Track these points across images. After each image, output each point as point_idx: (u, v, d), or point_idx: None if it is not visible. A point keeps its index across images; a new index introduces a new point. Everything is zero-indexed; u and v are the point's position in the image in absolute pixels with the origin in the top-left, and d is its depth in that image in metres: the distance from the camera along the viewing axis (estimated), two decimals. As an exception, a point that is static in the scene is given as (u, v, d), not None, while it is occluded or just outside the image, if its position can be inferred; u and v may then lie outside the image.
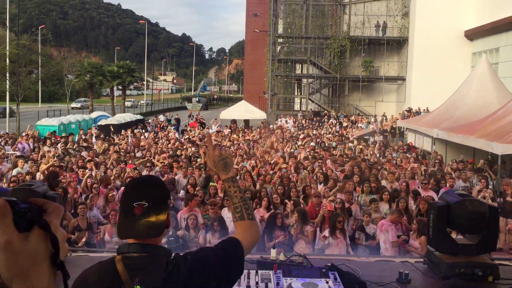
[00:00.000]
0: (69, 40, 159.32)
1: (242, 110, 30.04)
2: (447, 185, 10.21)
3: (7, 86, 28.83)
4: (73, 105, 53.18)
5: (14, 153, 14.76)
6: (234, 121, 27.34)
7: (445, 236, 3.92)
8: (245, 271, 3.54)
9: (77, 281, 1.82)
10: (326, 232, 7.25)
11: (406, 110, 29.11)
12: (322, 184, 10.48)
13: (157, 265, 1.82)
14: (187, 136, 20.54)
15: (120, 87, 43.64)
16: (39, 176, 10.17)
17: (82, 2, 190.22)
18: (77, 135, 19.68)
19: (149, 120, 31.39)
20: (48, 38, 50.85)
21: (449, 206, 3.79)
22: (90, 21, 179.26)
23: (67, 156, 13.00)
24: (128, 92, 54.22)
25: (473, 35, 29.85)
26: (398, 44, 34.50)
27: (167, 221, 1.90)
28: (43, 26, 56.36)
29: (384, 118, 28.19)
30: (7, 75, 28.22)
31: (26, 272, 0.92)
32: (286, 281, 3.29)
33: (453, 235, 4.32)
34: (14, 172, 10.59)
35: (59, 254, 0.96)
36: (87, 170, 10.36)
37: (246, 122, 28.81)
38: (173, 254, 1.93)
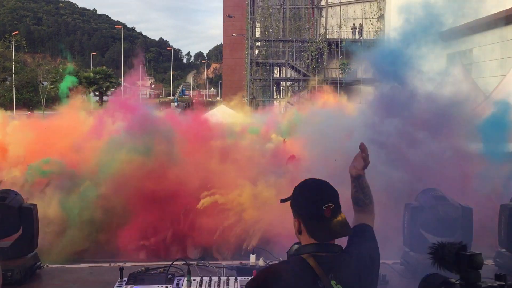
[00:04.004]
0: (44, 46, 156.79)
1: (222, 114, 29.97)
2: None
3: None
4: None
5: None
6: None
7: (419, 237, 3.98)
8: (225, 278, 3.54)
9: (266, 278, 1.90)
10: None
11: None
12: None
13: (344, 261, 1.96)
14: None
15: (97, 93, 43.16)
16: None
17: (57, 7, 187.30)
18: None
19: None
20: (22, 45, 50.01)
21: (422, 208, 3.86)
22: (65, 27, 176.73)
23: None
24: (105, 98, 53.63)
25: (447, 36, 30.41)
26: (375, 47, 34.96)
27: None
28: (17, 32, 55.27)
29: (362, 119, 28.48)
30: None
31: None
32: (265, 287, 3.28)
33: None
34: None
35: None
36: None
37: (226, 126, 28.75)
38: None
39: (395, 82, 8.17)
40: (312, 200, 1.99)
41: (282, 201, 2.12)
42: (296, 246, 2.03)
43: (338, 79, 35.10)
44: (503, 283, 1.55)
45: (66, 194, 8.43)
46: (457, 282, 1.59)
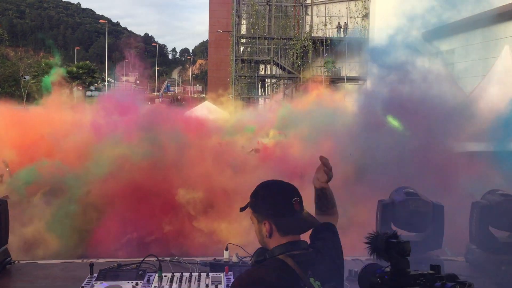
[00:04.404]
0: (26, 40, 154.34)
1: (206, 111, 29.87)
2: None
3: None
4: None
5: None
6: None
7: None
8: (196, 274, 3.53)
9: (249, 283, 1.87)
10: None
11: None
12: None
13: (317, 257, 2.00)
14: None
15: (80, 88, 42.67)
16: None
17: (40, 1, 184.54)
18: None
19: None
20: (4, 38, 49.18)
21: (394, 204, 3.89)
22: (48, 21, 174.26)
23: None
24: (88, 93, 53.04)
25: (430, 36, 30.71)
26: (359, 45, 35.16)
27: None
28: (-1, 25, 54.40)
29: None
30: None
31: None
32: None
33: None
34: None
35: None
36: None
37: (210, 122, 28.66)
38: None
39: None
40: (280, 197, 2.01)
41: (242, 209, 2.09)
42: (261, 251, 2.01)
43: (323, 77, 35.20)
44: (434, 272, 1.60)
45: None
46: (387, 269, 1.64)
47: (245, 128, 15.69)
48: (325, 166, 2.21)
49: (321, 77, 34.70)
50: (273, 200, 2.01)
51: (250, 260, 2.12)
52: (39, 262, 4.44)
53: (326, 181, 2.23)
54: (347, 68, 35.35)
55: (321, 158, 2.21)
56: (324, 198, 2.28)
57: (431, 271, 1.59)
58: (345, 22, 35.72)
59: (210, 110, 29.89)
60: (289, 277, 1.87)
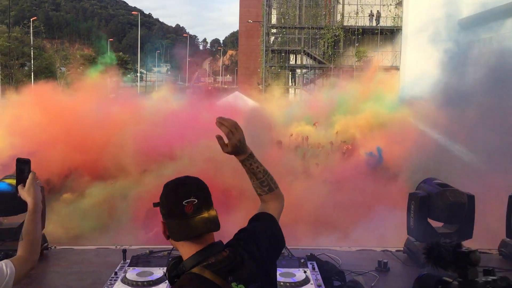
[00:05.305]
0: (62, 32, 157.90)
1: (238, 101, 29.96)
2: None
3: (-1, 79, 28.73)
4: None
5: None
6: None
7: (426, 226, 3.95)
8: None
9: None
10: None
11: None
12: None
13: (235, 258, 1.82)
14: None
15: (114, 79, 43.44)
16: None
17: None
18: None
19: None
20: (41, 30, 50.40)
21: (430, 196, 3.82)
22: (83, 13, 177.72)
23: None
24: (121, 84, 53.98)
25: (467, 24, 29.82)
26: (392, 34, 34.46)
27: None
28: (35, 18, 55.75)
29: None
30: (-1, 68, 28.10)
31: None
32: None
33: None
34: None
35: None
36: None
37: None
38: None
39: None
40: (172, 196, 1.81)
41: (155, 205, 1.88)
42: (174, 265, 1.84)
43: (354, 66, 34.71)
44: (495, 277, 1.56)
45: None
46: (454, 282, 1.58)
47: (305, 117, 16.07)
48: (220, 127, 1.95)
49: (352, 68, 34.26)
50: (165, 199, 1.83)
51: (165, 274, 1.94)
52: (75, 247, 4.59)
53: (228, 151, 1.98)
54: (379, 58, 34.70)
55: (216, 120, 1.96)
56: (252, 173, 2.06)
57: (492, 277, 1.55)
58: (377, 11, 35.03)
59: (241, 101, 30.02)
60: None
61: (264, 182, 2.07)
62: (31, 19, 45.22)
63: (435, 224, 3.92)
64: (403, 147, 10.23)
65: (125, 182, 9.65)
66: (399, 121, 12.09)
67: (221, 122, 1.94)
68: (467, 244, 3.93)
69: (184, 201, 1.77)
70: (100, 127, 10.72)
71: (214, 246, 1.83)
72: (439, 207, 3.83)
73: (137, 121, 11.08)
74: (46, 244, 4.33)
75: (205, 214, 1.79)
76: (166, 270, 1.87)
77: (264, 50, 36.09)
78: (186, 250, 1.81)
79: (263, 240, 1.95)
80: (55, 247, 4.47)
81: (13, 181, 3.43)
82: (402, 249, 4.10)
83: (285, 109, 19.50)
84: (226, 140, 1.96)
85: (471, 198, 3.78)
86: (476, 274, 1.55)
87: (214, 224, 1.81)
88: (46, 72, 51.03)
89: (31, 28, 42.96)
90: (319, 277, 3.22)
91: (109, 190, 9.52)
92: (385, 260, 3.72)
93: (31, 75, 44.77)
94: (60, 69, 43.56)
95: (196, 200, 1.79)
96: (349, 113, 14.94)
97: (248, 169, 2.05)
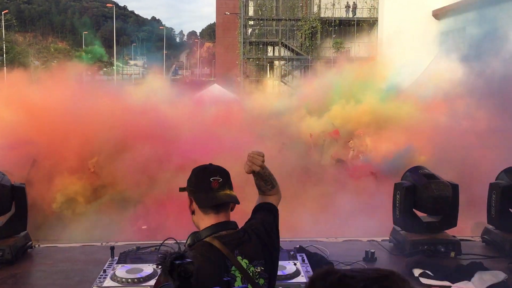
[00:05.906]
0: (34, 25, 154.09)
1: (216, 94, 29.78)
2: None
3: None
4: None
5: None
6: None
7: (411, 216, 4.02)
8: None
9: None
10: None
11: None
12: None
13: (244, 236, 2.11)
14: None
15: (89, 73, 42.71)
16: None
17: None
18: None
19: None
20: (12, 24, 49.14)
21: (415, 187, 3.87)
22: (56, 5, 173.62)
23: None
24: (97, 77, 53.12)
25: (440, 14, 30.26)
26: (368, 25, 34.71)
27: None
28: (7, 11, 54.22)
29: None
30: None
31: None
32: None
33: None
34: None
35: None
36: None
37: (219, 106, 28.60)
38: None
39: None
40: (201, 174, 2.17)
41: (181, 189, 2.22)
42: (192, 235, 2.13)
43: (332, 58, 34.85)
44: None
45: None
46: None
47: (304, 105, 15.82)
48: (250, 161, 2.29)
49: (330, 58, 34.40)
50: (194, 177, 2.18)
51: (185, 244, 2.20)
52: (59, 245, 4.52)
53: (249, 172, 2.32)
54: (356, 49, 34.93)
55: (249, 154, 2.31)
56: (260, 179, 2.36)
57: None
58: (354, 2, 35.22)
59: (220, 94, 29.86)
60: (216, 258, 1.99)
61: (268, 182, 2.38)
62: (2, 12, 44.04)
63: (420, 213, 3.99)
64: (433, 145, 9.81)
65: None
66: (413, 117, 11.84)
67: (253, 162, 2.28)
68: (452, 232, 4.02)
69: (211, 178, 2.11)
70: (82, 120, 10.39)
71: (228, 223, 2.14)
72: (424, 199, 3.89)
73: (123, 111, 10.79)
74: (30, 242, 4.25)
75: (228, 191, 2.14)
76: (187, 242, 2.15)
77: (242, 42, 35.94)
78: (206, 223, 2.11)
79: (270, 225, 2.24)
80: (39, 245, 4.40)
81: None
82: (388, 238, 4.16)
83: (279, 100, 19.36)
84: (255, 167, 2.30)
85: (455, 187, 3.85)
86: (188, 286, 1.50)
87: (235, 199, 2.15)
88: (19, 66, 49.78)
89: (3, 21, 41.85)
90: (309, 269, 3.26)
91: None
92: (372, 250, 3.78)
93: (3, 69, 43.73)
94: (34, 63, 42.61)
95: (221, 179, 2.13)
96: (347, 103, 14.77)
97: (260, 177, 2.35)
